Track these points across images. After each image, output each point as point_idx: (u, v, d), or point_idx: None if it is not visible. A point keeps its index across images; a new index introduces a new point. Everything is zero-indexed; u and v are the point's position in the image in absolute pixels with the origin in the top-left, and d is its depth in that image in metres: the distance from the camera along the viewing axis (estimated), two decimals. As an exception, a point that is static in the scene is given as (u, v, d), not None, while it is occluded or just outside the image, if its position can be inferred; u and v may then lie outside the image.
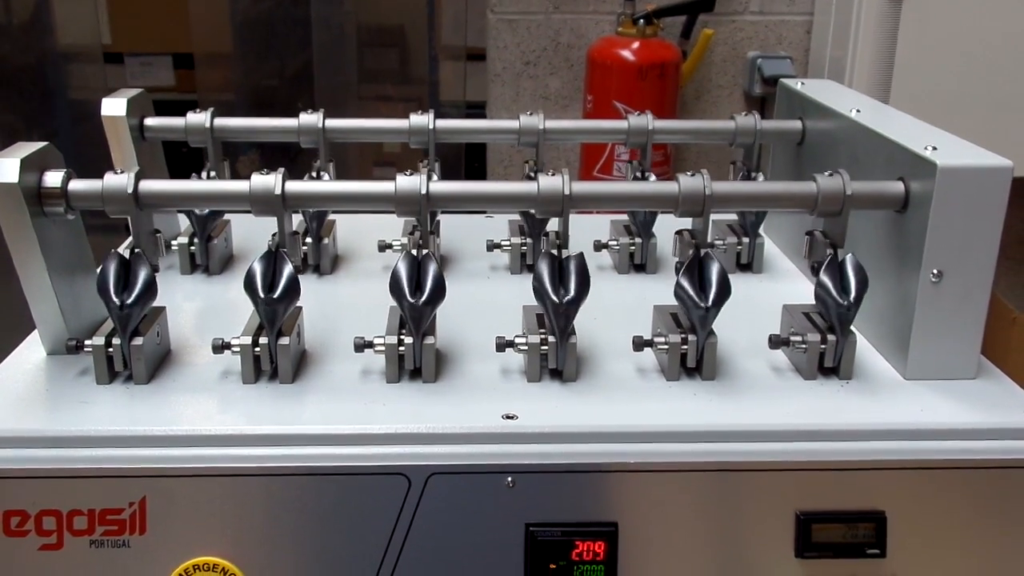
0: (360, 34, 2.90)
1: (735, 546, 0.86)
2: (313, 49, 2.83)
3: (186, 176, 1.13)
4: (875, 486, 0.85)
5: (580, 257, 0.94)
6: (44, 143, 0.91)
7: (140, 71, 3.15)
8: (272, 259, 0.93)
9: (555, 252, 0.94)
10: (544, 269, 0.92)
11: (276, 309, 0.91)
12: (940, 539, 0.87)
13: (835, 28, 2.41)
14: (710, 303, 0.91)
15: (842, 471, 0.85)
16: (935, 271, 0.90)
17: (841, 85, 1.28)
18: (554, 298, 0.91)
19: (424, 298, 0.91)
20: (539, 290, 0.92)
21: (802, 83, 1.26)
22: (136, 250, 0.92)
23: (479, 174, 2.83)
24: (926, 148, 0.91)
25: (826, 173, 0.93)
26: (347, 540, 0.84)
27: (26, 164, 0.87)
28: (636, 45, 2.39)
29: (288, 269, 0.92)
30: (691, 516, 0.85)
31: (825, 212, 0.94)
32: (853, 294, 0.92)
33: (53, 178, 0.89)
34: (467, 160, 2.87)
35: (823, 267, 0.94)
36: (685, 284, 0.92)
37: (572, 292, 0.91)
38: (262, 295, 0.90)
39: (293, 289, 0.92)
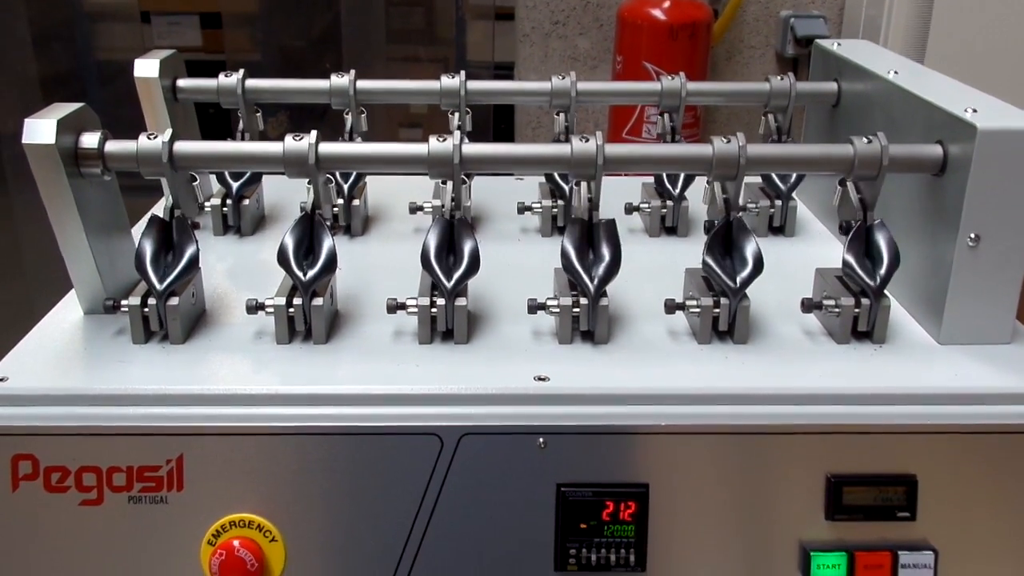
0: (388, -6, 2.88)
1: (766, 508, 0.86)
2: (340, 9, 2.82)
3: (215, 137, 1.14)
4: (907, 450, 0.85)
5: (612, 227, 0.94)
6: (80, 104, 0.91)
7: (167, 31, 3.15)
8: (308, 224, 0.93)
9: (585, 218, 0.94)
10: (572, 251, 0.92)
11: (313, 282, 0.92)
12: (971, 503, 0.87)
13: (870, -14, 2.37)
14: (738, 284, 0.92)
15: (874, 435, 0.85)
16: (972, 235, 0.89)
17: (878, 46, 1.26)
18: (588, 284, 0.91)
19: (459, 275, 0.92)
20: (569, 268, 0.93)
21: (838, 44, 1.24)
22: (177, 213, 0.93)
23: (506, 136, 2.82)
24: (966, 110, 0.89)
25: (864, 139, 0.92)
26: (380, 499, 0.85)
27: (63, 125, 0.88)
28: (667, 4, 2.36)
29: (328, 242, 0.93)
30: (722, 478, 0.86)
31: (861, 176, 0.93)
32: (884, 271, 0.92)
33: (90, 139, 0.90)
34: (495, 121, 2.85)
35: (848, 241, 0.94)
36: (711, 263, 0.93)
37: (601, 272, 0.92)
38: (300, 275, 0.91)
39: (332, 264, 0.93)
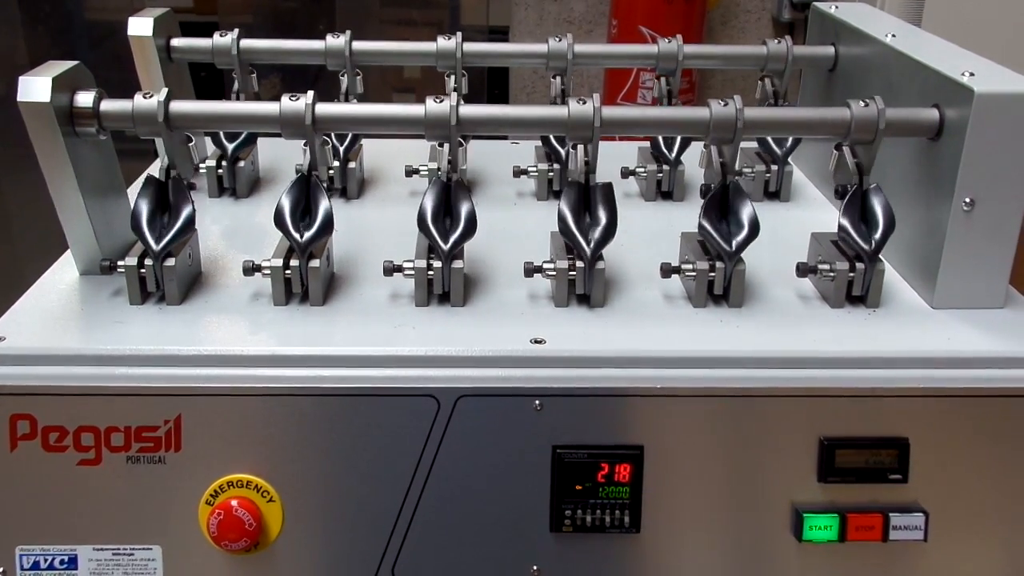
0: (381, -45, 2.85)
1: (759, 470, 0.87)
2: (334, -30, 2.79)
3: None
4: (900, 413, 0.86)
5: (608, 191, 0.93)
6: (74, 62, 0.90)
7: (159, -9, 3.11)
8: (304, 185, 0.93)
9: (581, 181, 0.94)
10: (568, 214, 0.93)
11: (310, 244, 0.92)
12: (962, 466, 0.87)
13: (867, -49, 2.35)
14: (734, 248, 0.92)
15: (867, 398, 0.86)
16: (967, 199, 0.90)
17: (875, 9, 1.25)
18: (585, 247, 0.92)
19: (455, 237, 0.92)
20: (565, 231, 0.93)
21: (835, 7, 1.24)
22: (173, 173, 0.93)
23: (501, 101, 2.80)
24: (963, 74, 0.89)
25: (860, 103, 0.92)
26: (377, 460, 0.85)
27: (57, 83, 0.87)
28: (663, -32, 2.34)
29: (325, 204, 0.93)
30: (716, 440, 0.86)
31: (858, 140, 0.93)
32: (879, 235, 0.92)
33: (85, 98, 0.89)
34: (489, 87, 2.84)
35: (843, 205, 0.94)
36: (707, 227, 0.93)
37: (597, 235, 0.92)
38: (297, 236, 0.91)
39: (328, 226, 0.93)
